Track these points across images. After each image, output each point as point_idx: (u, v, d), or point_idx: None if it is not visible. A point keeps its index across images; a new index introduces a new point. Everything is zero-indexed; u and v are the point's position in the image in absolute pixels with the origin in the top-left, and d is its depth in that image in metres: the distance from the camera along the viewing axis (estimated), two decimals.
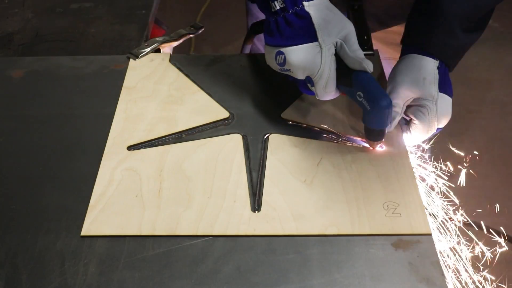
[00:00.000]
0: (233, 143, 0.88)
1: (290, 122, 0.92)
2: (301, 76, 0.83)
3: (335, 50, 0.81)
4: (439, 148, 1.00)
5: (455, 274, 0.83)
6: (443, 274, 0.69)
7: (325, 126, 0.89)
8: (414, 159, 0.90)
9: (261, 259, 0.72)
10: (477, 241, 0.91)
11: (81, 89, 1.01)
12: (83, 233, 0.76)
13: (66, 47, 1.15)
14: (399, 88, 0.87)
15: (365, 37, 1.08)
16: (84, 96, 1.00)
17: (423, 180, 0.90)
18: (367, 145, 0.86)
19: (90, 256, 0.73)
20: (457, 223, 0.89)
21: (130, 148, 0.88)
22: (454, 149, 1.05)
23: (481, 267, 0.90)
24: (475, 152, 1.15)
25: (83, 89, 1.01)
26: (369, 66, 0.80)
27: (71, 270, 0.72)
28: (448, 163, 1.00)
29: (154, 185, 0.81)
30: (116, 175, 0.83)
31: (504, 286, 0.98)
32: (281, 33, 0.81)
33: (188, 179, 0.82)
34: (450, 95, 0.88)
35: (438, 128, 0.89)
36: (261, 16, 1.03)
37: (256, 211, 0.77)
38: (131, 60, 1.05)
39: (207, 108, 0.94)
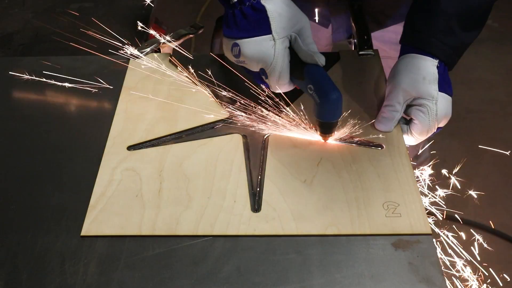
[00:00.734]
0: (233, 143, 0.88)
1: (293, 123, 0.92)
2: (255, 68, 0.85)
3: (290, 43, 0.83)
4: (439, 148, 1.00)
5: None
6: (443, 274, 0.69)
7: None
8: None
9: (261, 259, 0.72)
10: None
11: (81, 89, 1.01)
12: (83, 233, 0.76)
13: (66, 47, 1.15)
14: (399, 88, 0.87)
15: (365, 37, 1.08)
16: (84, 96, 1.00)
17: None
18: (320, 138, 0.87)
19: (90, 256, 0.73)
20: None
21: (130, 148, 0.88)
22: None
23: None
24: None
25: (83, 89, 1.01)
26: (320, 60, 0.82)
27: (71, 270, 0.72)
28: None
29: (154, 185, 0.81)
30: (116, 175, 0.83)
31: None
32: (237, 25, 0.83)
33: (188, 179, 0.82)
34: (450, 94, 0.88)
35: (438, 128, 0.89)
36: None
37: (256, 211, 0.77)
38: (131, 60, 1.05)
39: (207, 108, 0.94)
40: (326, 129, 0.85)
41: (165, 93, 0.98)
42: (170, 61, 1.05)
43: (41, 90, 1.02)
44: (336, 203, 0.78)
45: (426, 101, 0.86)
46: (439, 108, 0.86)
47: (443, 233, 0.93)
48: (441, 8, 0.87)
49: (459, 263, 0.93)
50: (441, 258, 0.77)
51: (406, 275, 0.69)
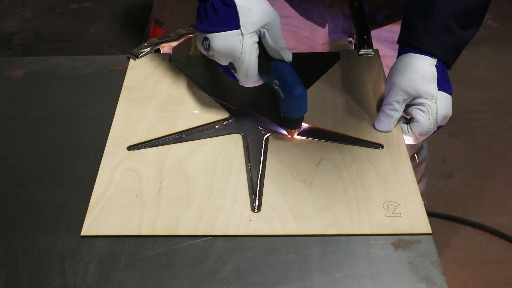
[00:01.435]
0: (233, 143, 0.88)
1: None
2: (224, 62, 0.86)
3: (260, 38, 0.84)
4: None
5: None
6: (443, 274, 0.69)
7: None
8: None
9: (261, 259, 0.72)
10: None
11: (81, 89, 1.01)
12: (83, 233, 0.76)
13: (66, 47, 1.15)
14: (397, 87, 0.87)
15: (365, 36, 1.08)
16: (84, 96, 1.00)
17: None
18: (285, 132, 0.89)
19: (90, 256, 0.73)
20: None
21: (130, 148, 0.88)
22: None
23: None
24: None
25: (83, 89, 1.01)
26: (287, 56, 0.83)
27: (71, 270, 0.72)
28: None
29: (154, 185, 0.81)
30: (116, 175, 0.83)
31: None
32: (208, 19, 0.84)
33: (188, 179, 0.82)
34: (449, 93, 0.88)
35: (438, 127, 0.89)
36: None
37: (256, 211, 0.77)
38: (131, 60, 1.05)
39: (207, 108, 0.94)
40: (291, 124, 0.87)
41: (165, 93, 0.98)
42: (170, 61, 1.05)
43: (41, 90, 1.02)
44: (336, 203, 0.78)
45: (425, 100, 0.86)
46: (439, 107, 0.86)
47: None
48: (438, 7, 0.87)
49: None
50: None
51: (406, 275, 0.69)
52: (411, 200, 0.78)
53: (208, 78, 1.01)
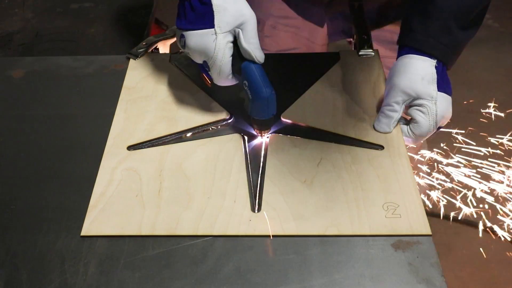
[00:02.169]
0: (233, 143, 0.88)
1: (290, 121, 0.92)
2: (198, 60, 0.87)
3: (234, 38, 0.84)
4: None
5: None
6: (442, 275, 0.69)
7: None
8: None
9: (261, 259, 0.72)
10: None
11: (81, 89, 1.01)
12: (83, 233, 0.76)
13: (66, 47, 1.15)
14: (397, 88, 0.87)
15: (365, 37, 1.08)
16: (84, 96, 1.00)
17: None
18: (255, 133, 0.89)
19: (90, 256, 0.73)
20: None
21: (130, 148, 0.88)
22: None
23: None
24: None
25: (83, 89, 1.01)
26: (257, 57, 0.82)
27: (71, 270, 0.72)
28: None
29: (154, 185, 0.81)
30: (116, 175, 0.83)
31: None
32: (185, 17, 0.84)
33: (188, 179, 0.82)
34: (449, 94, 0.88)
35: (438, 127, 0.89)
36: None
37: (256, 211, 0.77)
38: (131, 60, 1.05)
39: (207, 108, 0.94)
40: (260, 125, 0.87)
41: (165, 93, 0.98)
42: (170, 60, 1.05)
43: (41, 90, 1.02)
44: (336, 203, 0.78)
45: (425, 101, 0.86)
46: (438, 108, 0.86)
47: None
48: (437, 7, 0.87)
49: None
50: None
51: (406, 276, 0.69)
52: (411, 201, 0.78)
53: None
